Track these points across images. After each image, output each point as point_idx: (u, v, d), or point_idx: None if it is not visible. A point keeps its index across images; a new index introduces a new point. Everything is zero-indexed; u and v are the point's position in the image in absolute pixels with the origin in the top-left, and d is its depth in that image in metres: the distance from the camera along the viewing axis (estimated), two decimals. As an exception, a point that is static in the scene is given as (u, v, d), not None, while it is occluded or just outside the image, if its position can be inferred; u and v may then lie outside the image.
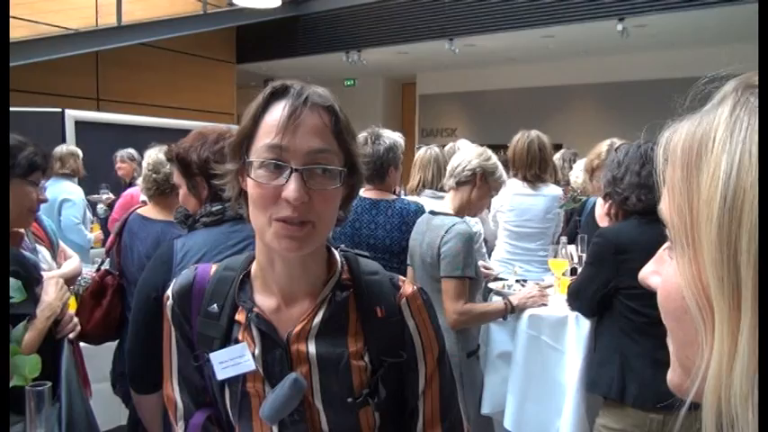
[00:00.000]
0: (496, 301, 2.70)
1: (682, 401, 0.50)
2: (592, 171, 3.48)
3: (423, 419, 1.15)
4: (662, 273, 0.55)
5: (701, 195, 0.47)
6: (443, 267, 2.51)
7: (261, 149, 0.98)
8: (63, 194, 4.91)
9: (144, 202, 3.03)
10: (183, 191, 1.88)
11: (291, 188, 0.95)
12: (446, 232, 2.52)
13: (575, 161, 4.96)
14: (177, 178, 1.90)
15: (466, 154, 2.69)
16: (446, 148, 4.31)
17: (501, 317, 2.71)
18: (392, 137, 3.02)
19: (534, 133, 3.77)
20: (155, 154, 2.75)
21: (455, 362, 2.51)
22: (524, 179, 3.72)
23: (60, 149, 5.19)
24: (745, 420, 0.44)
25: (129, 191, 4.31)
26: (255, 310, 1.07)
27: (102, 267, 2.57)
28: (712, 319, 0.47)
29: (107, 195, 5.69)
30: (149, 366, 1.69)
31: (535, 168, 3.72)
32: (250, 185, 1.00)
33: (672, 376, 0.55)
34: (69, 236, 4.79)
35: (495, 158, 2.68)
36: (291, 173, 0.96)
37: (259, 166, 0.98)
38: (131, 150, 5.81)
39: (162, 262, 1.70)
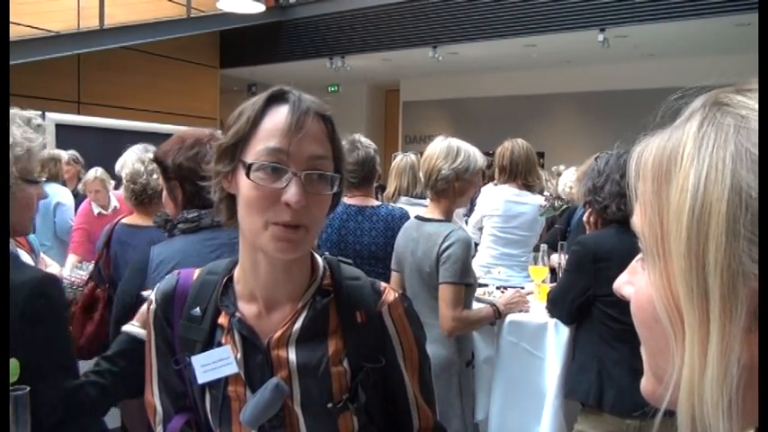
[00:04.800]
0: (485, 307, 2.71)
1: (657, 408, 0.52)
2: None
3: (419, 426, 1.17)
4: (635, 283, 0.56)
5: (671, 208, 0.49)
6: (442, 273, 2.47)
7: (260, 153, 0.98)
8: (56, 197, 4.91)
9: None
10: (164, 192, 1.90)
11: (293, 192, 0.96)
12: (445, 239, 2.48)
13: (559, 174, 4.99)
14: (160, 180, 1.93)
15: (435, 161, 2.62)
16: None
17: (490, 322, 2.74)
18: (371, 143, 3.04)
19: (524, 141, 3.78)
20: (130, 164, 2.68)
21: (455, 371, 2.51)
22: (524, 185, 3.72)
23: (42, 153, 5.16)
24: (717, 427, 0.45)
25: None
26: (237, 314, 1.07)
27: (87, 277, 2.56)
28: (682, 328, 0.48)
29: None
30: None
31: (534, 175, 3.73)
32: (246, 187, 0.99)
33: (645, 384, 0.56)
34: (65, 237, 4.83)
35: (462, 153, 2.59)
36: (292, 177, 0.97)
37: (258, 168, 0.98)
38: (74, 152, 5.73)
39: (138, 269, 1.74)
